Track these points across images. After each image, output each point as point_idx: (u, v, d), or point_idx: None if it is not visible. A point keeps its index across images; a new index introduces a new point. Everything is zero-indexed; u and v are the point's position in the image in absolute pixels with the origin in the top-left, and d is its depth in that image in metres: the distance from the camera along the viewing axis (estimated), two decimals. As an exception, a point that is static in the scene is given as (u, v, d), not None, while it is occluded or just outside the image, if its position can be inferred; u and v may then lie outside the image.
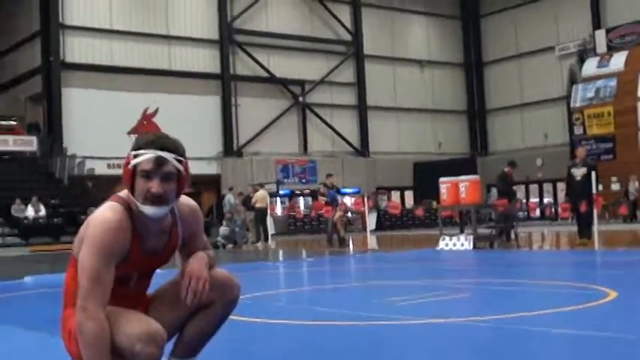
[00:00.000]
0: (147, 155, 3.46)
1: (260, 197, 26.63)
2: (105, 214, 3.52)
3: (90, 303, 3.40)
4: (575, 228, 19.22)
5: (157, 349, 3.46)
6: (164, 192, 3.47)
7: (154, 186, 3.46)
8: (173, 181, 3.50)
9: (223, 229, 26.79)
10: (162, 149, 3.49)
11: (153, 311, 3.79)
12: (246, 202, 27.44)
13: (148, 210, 3.48)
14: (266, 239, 25.91)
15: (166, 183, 3.47)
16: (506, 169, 20.95)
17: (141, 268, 3.74)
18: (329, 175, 24.84)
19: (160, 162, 3.45)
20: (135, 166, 3.47)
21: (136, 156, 3.47)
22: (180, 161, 3.53)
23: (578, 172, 17.76)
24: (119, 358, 3.45)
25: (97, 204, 21.75)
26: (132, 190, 3.50)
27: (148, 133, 3.63)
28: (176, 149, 3.54)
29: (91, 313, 3.37)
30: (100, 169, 34.70)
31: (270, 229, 26.22)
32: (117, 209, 3.52)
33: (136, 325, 3.45)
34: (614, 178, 33.05)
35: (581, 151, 18.89)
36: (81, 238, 3.65)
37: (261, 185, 28.38)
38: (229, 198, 29.17)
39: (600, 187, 21.04)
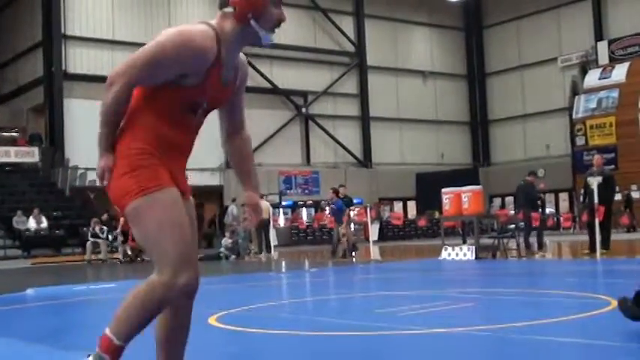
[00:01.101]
0: None
1: (263, 208, 26.57)
2: (196, 26, 3.57)
3: (125, 77, 3.52)
4: (580, 237, 19.20)
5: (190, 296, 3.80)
6: None
7: (284, 13, 3.69)
8: None
9: (226, 241, 26.75)
10: None
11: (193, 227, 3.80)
12: (250, 213, 27.40)
13: (271, 37, 3.71)
14: (268, 250, 25.87)
15: None
16: (529, 178, 20.90)
17: (211, 100, 3.75)
18: (342, 186, 24.76)
19: None
20: None
21: None
22: None
23: (594, 181, 17.73)
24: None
25: (99, 216, 21.71)
26: (257, 18, 3.60)
27: None
28: None
29: (121, 84, 3.54)
30: (103, 180, 34.67)
31: (273, 240, 26.19)
32: (207, 29, 3.56)
33: (186, 258, 3.58)
34: (618, 188, 32.96)
35: (597, 160, 18.89)
36: None
37: (263, 196, 28.35)
38: (232, 209, 29.17)
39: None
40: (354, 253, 22.79)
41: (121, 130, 3.63)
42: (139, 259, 26.65)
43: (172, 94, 3.54)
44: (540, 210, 20.99)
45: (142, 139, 3.55)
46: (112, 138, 3.65)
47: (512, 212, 21.57)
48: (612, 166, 36.93)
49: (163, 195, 3.51)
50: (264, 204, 27.02)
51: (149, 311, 3.59)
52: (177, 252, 3.51)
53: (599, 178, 17.37)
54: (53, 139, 34.26)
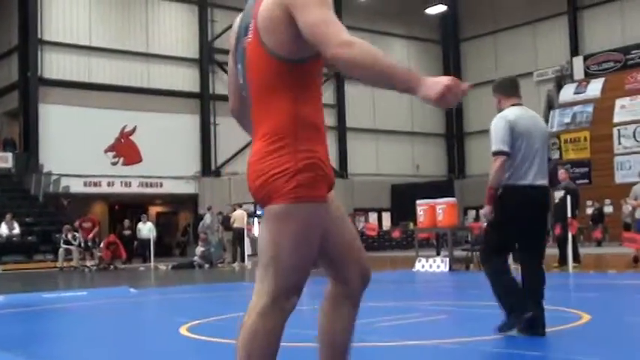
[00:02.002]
0: None
1: (238, 217, 26.57)
2: None
3: (344, 35, 3.20)
4: (554, 250, 19.26)
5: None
6: None
7: None
8: None
9: (199, 249, 26.66)
10: None
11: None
12: (225, 222, 27.34)
13: None
14: (242, 259, 25.81)
15: None
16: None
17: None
18: None
19: None
20: None
21: None
22: None
23: (558, 195, 17.82)
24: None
25: (71, 222, 21.50)
26: None
27: None
28: None
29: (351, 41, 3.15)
30: (76, 186, 34.45)
31: (247, 250, 26.11)
32: None
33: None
34: (589, 202, 33.21)
35: (562, 174, 18.87)
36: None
37: (240, 205, 28.30)
38: (207, 217, 29.11)
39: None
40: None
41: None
42: (111, 266, 26.51)
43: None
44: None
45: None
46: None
47: (486, 224, 21.55)
48: (586, 181, 37.20)
49: None
50: (240, 213, 26.98)
51: None
52: None
53: (562, 192, 17.48)
54: (27, 145, 33.98)
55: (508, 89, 7.28)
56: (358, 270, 3.55)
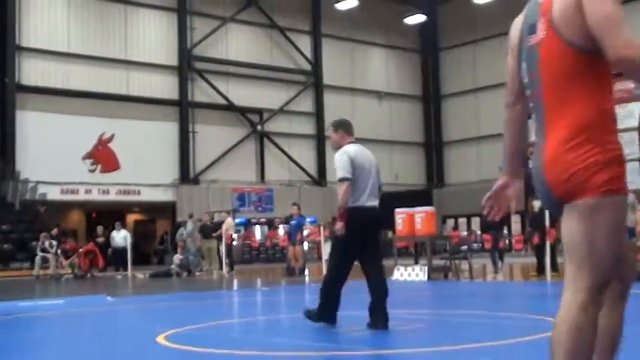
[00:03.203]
0: None
1: (229, 225, 26.57)
2: None
3: (627, 34, 3.20)
4: (533, 259, 19.35)
5: None
6: None
7: None
8: None
9: (177, 257, 26.56)
10: None
11: None
12: (204, 230, 27.23)
13: None
14: (220, 267, 25.77)
15: None
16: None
17: None
18: (295, 204, 24.81)
19: None
20: None
21: None
22: None
23: (537, 204, 17.88)
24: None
25: (48, 230, 21.35)
26: None
27: None
28: None
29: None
30: (53, 194, 34.25)
31: (225, 258, 26.08)
32: None
33: None
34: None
35: None
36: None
37: (229, 212, 28.29)
38: (188, 224, 28.94)
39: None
40: (306, 272, 22.76)
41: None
42: (88, 274, 26.35)
43: None
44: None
45: None
46: None
47: (465, 234, 21.74)
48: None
49: None
50: (230, 220, 27.03)
51: None
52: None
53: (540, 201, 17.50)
54: (4, 151, 33.72)
55: (349, 129, 9.26)
56: (628, 265, 3.59)
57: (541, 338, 7.16)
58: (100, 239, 29.29)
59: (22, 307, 13.06)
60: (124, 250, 28.56)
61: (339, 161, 8.65)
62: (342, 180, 8.55)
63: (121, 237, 30.08)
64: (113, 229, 31.03)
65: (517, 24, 3.71)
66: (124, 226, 34.21)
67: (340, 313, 8.57)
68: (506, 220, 21.50)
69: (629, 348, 3.59)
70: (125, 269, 28.78)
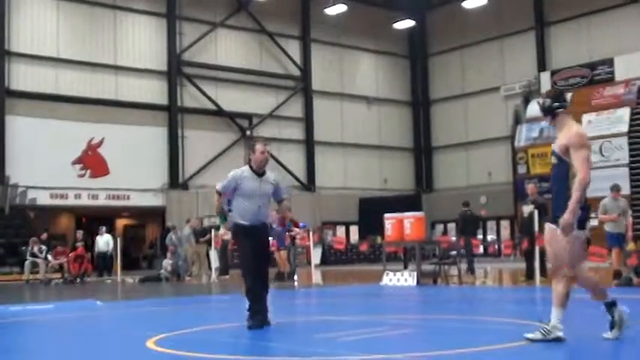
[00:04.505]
0: None
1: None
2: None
3: None
4: (522, 265, 19.41)
5: None
6: None
7: None
8: None
9: (167, 262, 26.54)
10: None
11: None
12: (194, 235, 27.16)
13: None
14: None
15: None
16: (464, 209, 21.14)
17: None
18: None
19: None
20: None
21: None
22: None
23: (527, 209, 17.92)
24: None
25: (38, 235, 21.30)
26: None
27: None
28: None
29: None
30: (43, 199, 34.18)
31: (215, 262, 26.08)
32: None
33: None
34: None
35: (530, 188, 18.96)
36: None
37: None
38: (185, 229, 28.53)
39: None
40: (295, 277, 22.78)
41: None
42: (78, 280, 26.31)
43: None
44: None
45: None
46: None
47: (454, 239, 21.82)
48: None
49: None
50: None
51: None
52: None
53: (531, 207, 17.55)
54: (-7, 157, 33.65)
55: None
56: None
57: (528, 344, 7.22)
58: (80, 244, 28.33)
59: (13, 312, 13.05)
60: (106, 255, 28.50)
61: (230, 175, 10.25)
62: (217, 192, 10.49)
63: (103, 242, 29.80)
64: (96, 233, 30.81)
65: None
66: (111, 230, 34.07)
67: (330, 318, 8.61)
68: (480, 225, 21.58)
69: (630, 349, 3.64)
70: (109, 274, 28.74)
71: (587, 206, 7.26)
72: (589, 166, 7.09)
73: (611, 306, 7.32)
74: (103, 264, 29.75)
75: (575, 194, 6.96)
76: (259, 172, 9.95)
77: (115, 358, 7.54)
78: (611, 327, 7.24)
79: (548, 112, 7.47)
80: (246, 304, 9.48)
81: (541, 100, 7.58)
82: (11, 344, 8.97)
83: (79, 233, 29.99)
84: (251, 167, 9.93)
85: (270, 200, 10.06)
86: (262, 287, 9.63)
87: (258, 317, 9.37)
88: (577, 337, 7.63)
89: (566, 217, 6.95)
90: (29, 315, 12.68)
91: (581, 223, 7.15)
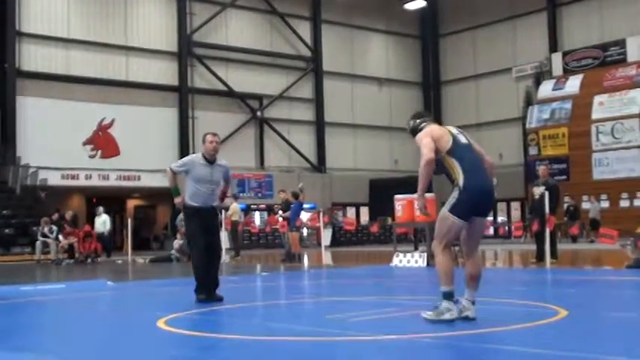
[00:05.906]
0: None
1: (235, 210, 26.63)
2: None
3: None
4: (532, 246, 19.34)
5: None
6: None
7: None
8: None
9: (177, 243, 26.59)
10: None
11: None
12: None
13: None
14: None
15: None
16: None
17: None
18: (282, 191, 24.84)
19: None
20: None
21: None
22: None
23: (537, 191, 17.83)
24: None
25: (49, 215, 21.36)
26: None
27: None
28: None
29: None
30: (54, 179, 34.29)
31: (225, 243, 26.11)
32: None
33: None
34: (567, 199, 33.38)
35: (542, 170, 18.86)
36: None
37: (235, 198, 28.32)
38: None
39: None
40: (305, 257, 22.81)
41: None
42: (89, 260, 26.39)
43: None
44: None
45: None
46: None
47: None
48: (564, 177, 37.41)
49: None
50: (235, 205, 27.05)
51: None
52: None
53: (542, 189, 17.44)
54: (5, 137, 33.75)
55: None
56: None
57: (540, 325, 7.21)
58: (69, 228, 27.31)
59: (24, 292, 13.10)
60: (104, 235, 28.50)
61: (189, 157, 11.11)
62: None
63: (100, 222, 29.50)
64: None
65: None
66: (113, 210, 33.75)
67: (341, 299, 8.60)
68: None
69: (629, 333, 3.63)
70: (108, 255, 28.74)
71: (473, 201, 7.99)
72: (427, 155, 8.25)
73: (447, 296, 7.51)
74: (101, 245, 29.58)
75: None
76: (211, 160, 10.69)
77: (125, 338, 7.56)
78: (433, 309, 7.50)
79: (417, 131, 8.44)
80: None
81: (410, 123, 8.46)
82: (24, 323, 9.00)
83: (69, 213, 28.98)
84: (204, 155, 10.66)
85: (220, 185, 11.11)
86: (208, 262, 10.27)
87: (203, 291, 10.10)
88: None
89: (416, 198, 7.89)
90: (41, 295, 12.72)
91: (458, 212, 8.08)
